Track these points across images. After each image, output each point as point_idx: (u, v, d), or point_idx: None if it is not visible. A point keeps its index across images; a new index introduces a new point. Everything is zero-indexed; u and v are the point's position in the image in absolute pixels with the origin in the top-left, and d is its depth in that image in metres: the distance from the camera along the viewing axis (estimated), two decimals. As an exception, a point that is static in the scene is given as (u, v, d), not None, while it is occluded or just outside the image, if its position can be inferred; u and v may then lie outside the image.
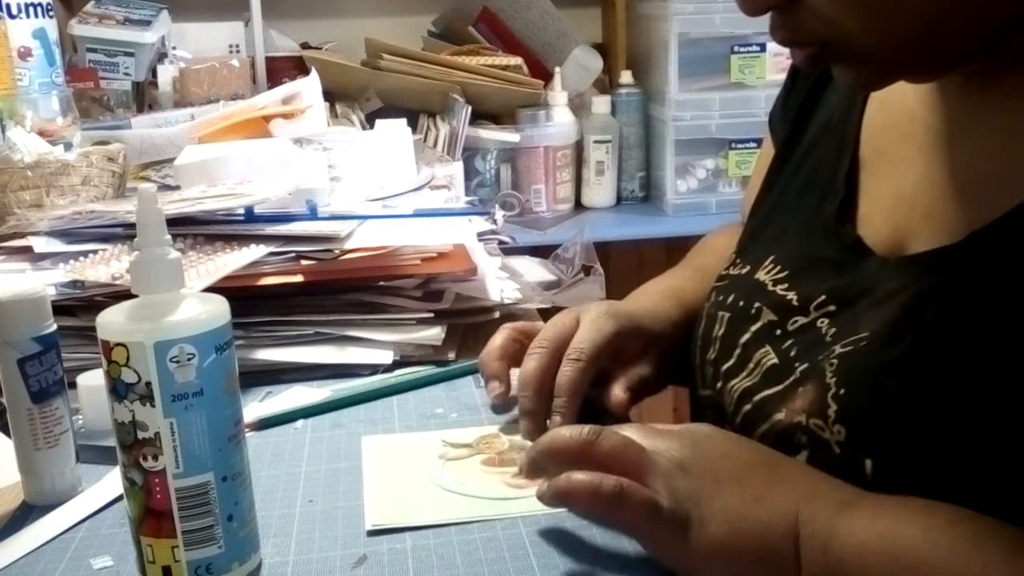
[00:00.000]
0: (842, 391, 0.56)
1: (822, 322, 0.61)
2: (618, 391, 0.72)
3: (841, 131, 0.68)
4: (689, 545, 0.52)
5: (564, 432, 0.57)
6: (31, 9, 1.60)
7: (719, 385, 0.67)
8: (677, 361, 0.77)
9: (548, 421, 0.69)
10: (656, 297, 0.81)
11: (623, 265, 1.92)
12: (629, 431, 0.57)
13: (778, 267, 0.68)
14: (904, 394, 0.53)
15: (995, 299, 0.51)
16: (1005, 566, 0.46)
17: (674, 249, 1.32)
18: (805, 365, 0.60)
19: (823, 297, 0.62)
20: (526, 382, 0.71)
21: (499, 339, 0.77)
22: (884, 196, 0.63)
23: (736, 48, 2.07)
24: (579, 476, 0.54)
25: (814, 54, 0.55)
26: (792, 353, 0.62)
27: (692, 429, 0.58)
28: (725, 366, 0.67)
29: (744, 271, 0.71)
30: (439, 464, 0.69)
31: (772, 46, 1.95)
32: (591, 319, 0.73)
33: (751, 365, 0.65)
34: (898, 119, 0.64)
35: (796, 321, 0.63)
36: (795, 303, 0.64)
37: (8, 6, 1.57)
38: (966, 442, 0.51)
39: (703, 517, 0.52)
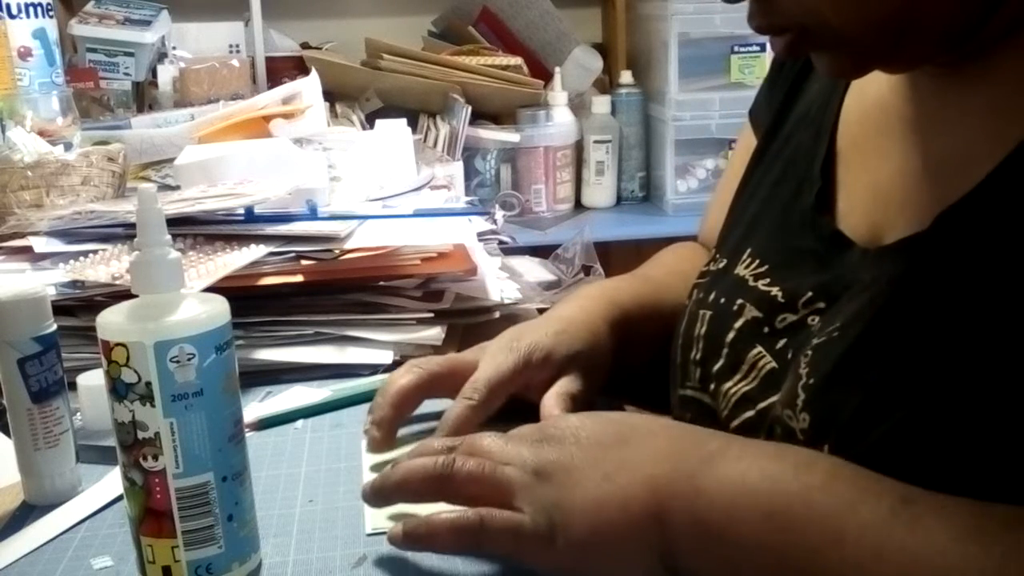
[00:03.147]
0: (811, 380, 0.56)
1: (812, 319, 0.61)
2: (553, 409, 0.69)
3: (819, 120, 0.68)
4: (558, 552, 0.51)
5: (416, 465, 0.56)
6: (31, 9, 1.60)
7: (712, 387, 0.67)
8: (608, 371, 0.74)
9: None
10: (578, 309, 0.76)
11: (623, 265, 1.91)
12: (488, 441, 0.56)
13: (756, 261, 0.67)
14: (860, 379, 0.53)
15: (960, 278, 0.52)
16: (882, 528, 0.45)
17: (674, 249, 1.32)
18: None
19: (810, 294, 0.62)
20: (388, 391, 0.70)
21: (404, 380, 0.71)
22: (860, 191, 0.63)
23: (736, 48, 2.08)
24: (437, 518, 0.54)
25: (792, 41, 0.55)
26: (788, 355, 0.62)
27: (545, 427, 0.57)
28: (715, 367, 0.66)
29: (722, 266, 0.71)
30: (439, 464, 0.69)
31: (770, 42, 1.95)
32: (490, 354, 0.71)
33: (745, 367, 0.64)
34: (872, 109, 0.64)
35: (785, 319, 0.63)
36: (781, 299, 0.64)
37: (8, 6, 1.57)
38: (925, 426, 0.50)
39: (564, 520, 0.51)
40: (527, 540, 0.52)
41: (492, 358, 0.71)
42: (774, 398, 0.61)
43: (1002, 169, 0.51)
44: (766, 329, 0.64)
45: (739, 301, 0.66)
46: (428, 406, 0.74)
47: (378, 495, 0.58)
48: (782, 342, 0.62)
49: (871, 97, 0.64)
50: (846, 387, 0.54)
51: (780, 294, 0.64)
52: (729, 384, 0.65)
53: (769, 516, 0.47)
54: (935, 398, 0.50)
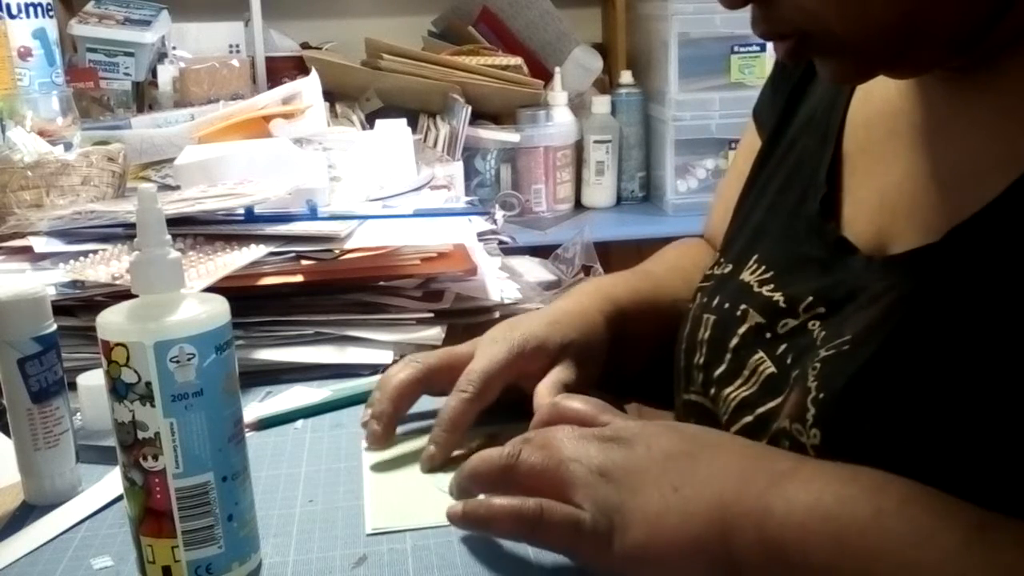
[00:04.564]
0: (821, 395, 0.56)
1: (813, 324, 0.61)
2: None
3: (825, 123, 0.67)
4: (615, 554, 0.51)
5: (486, 455, 0.57)
6: (31, 9, 1.60)
7: (713, 391, 0.67)
8: (603, 362, 0.74)
9: (424, 451, 0.67)
10: (574, 303, 0.77)
11: (623, 265, 1.90)
12: (561, 435, 0.56)
13: (762, 267, 0.67)
14: (876, 396, 0.53)
15: (973, 295, 0.51)
16: (959, 557, 0.44)
17: (674, 249, 1.31)
18: (797, 371, 0.60)
19: (811, 299, 0.61)
20: (387, 386, 0.70)
21: (403, 375, 0.71)
22: (867, 197, 0.62)
23: (736, 48, 2.08)
24: (498, 502, 0.54)
25: (795, 47, 0.55)
26: (788, 360, 0.61)
27: (620, 427, 0.57)
28: (717, 372, 0.66)
29: (727, 270, 0.70)
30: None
31: (772, 46, 1.96)
32: (484, 345, 0.71)
33: (746, 372, 0.64)
34: (880, 113, 0.63)
35: (786, 324, 0.63)
36: (782, 305, 0.63)
37: (8, 6, 1.57)
38: (940, 444, 0.50)
39: (624, 523, 0.51)
40: (584, 537, 0.52)
41: (486, 349, 0.71)
42: (772, 403, 0.61)
43: (1018, 185, 0.51)
44: (768, 335, 0.63)
45: (743, 307, 0.66)
46: (423, 403, 0.74)
47: (458, 486, 0.59)
48: (782, 347, 0.62)
49: (878, 100, 0.64)
50: (861, 405, 0.54)
51: (782, 299, 0.64)
52: (730, 389, 0.65)
53: (843, 542, 0.46)
54: (953, 416, 0.50)
